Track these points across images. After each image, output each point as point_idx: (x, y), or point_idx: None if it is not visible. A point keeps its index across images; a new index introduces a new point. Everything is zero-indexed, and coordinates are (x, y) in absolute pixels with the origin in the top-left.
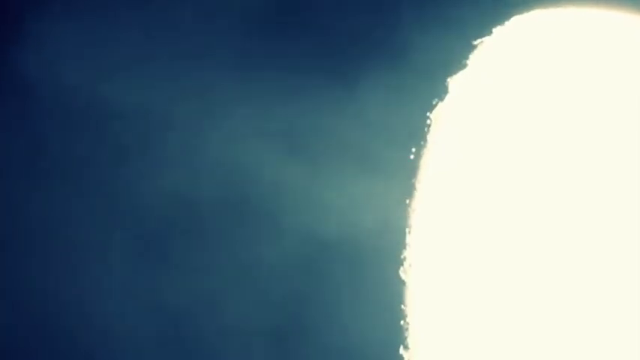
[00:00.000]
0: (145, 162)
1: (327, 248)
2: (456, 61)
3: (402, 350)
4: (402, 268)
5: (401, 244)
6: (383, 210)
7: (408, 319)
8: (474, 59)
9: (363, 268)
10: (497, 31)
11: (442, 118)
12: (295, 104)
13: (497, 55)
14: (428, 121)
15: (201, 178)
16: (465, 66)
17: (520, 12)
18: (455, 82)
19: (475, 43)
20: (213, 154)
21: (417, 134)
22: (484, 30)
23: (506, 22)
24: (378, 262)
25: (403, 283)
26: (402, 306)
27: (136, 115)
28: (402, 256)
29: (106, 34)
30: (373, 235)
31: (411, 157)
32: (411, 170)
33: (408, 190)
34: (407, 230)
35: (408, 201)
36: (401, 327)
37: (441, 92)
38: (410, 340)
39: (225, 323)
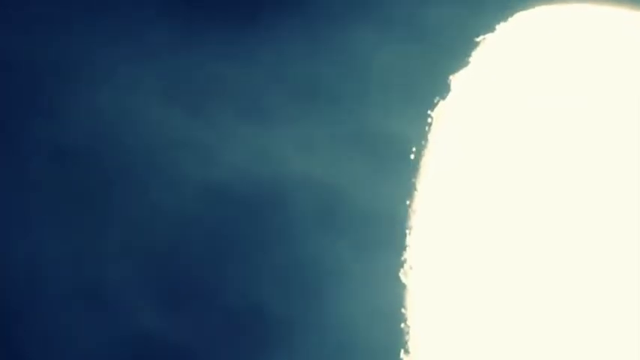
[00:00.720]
0: (44, 116)
1: (222, 200)
2: (458, 59)
3: (402, 354)
4: (402, 270)
5: (401, 246)
6: (280, 162)
7: (408, 323)
8: (476, 57)
9: (258, 219)
10: (500, 28)
11: (444, 116)
12: (197, 55)
13: (501, 52)
14: (429, 120)
15: (99, 129)
16: (467, 63)
17: (523, 9)
18: (457, 80)
19: (478, 40)
20: (111, 108)
21: (418, 133)
22: (487, 27)
23: (510, 19)
24: (275, 214)
25: (403, 285)
26: (403, 309)
27: (36, 68)
28: (402, 258)
29: None
30: (270, 187)
31: (412, 156)
32: (411, 170)
33: (409, 191)
34: (407, 231)
35: (408, 201)
36: (401, 330)
37: (442, 90)
38: (411, 344)
39: (115, 277)
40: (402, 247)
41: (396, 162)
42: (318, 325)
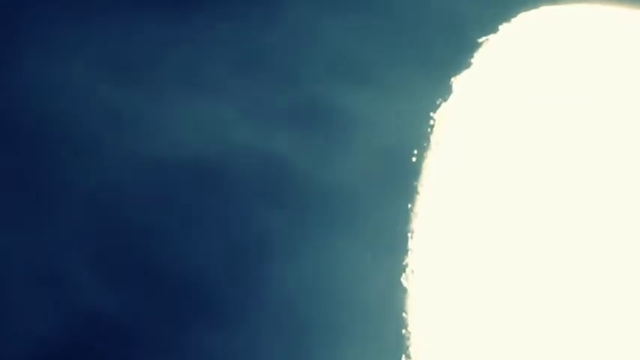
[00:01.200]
0: None
1: (169, 173)
2: (460, 60)
3: (403, 359)
4: (403, 275)
5: (403, 250)
6: (225, 133)
7: (409, 328)
8: (478, 58)
9: (207, 191)
10: (503, 28)
11: (446, 118)
12: (141, 30)
13: (503, 53)
14: (431, 122)
15: (41, 106)
16: (469, 65)
17: (526, 9)
18: (459, 82)
19: (480, 40)
20: (53, 84)
21: (420, 135)
22: (490, 27)
23: (513, 20)
24: (222, 185)
25: (405, 290)
26: (404, 313)
27: None
28: (403, 263)
29: None
30: (216, 158)
31: (414, 159)
32: (413, 173)
33: (411, 194)
34: (409, 235)
35: (410, 205)
36: (402, 335)
37: (444, 92)
38: (412, 349)
39: (58, 253)
40: (403, 251)
41: (397, 164)
42: (321, 325)
